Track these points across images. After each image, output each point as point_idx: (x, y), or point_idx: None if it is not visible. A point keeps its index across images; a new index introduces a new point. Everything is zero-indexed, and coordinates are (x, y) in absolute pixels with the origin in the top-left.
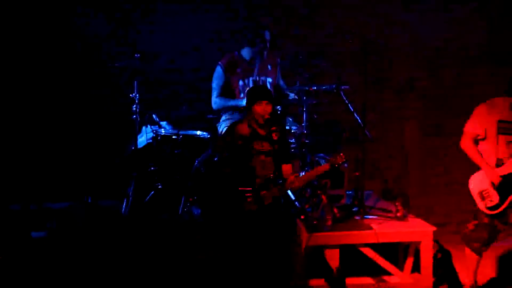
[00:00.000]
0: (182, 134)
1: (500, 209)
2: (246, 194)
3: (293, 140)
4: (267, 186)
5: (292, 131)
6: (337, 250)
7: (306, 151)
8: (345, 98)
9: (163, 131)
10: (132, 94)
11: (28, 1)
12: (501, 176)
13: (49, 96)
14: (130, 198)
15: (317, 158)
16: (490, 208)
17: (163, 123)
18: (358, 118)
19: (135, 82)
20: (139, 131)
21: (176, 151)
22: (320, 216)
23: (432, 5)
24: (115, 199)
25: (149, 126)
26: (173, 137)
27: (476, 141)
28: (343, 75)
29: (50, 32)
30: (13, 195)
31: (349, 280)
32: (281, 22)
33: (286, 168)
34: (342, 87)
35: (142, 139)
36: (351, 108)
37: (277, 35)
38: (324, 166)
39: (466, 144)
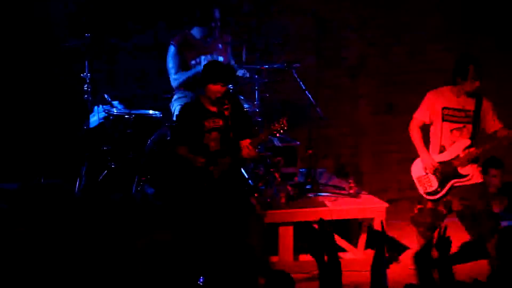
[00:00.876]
0: (135, 114)
1: (439, 195)
2: (197, 171)
3: None
4: (214, 161)
5: (245, 109)
6: (291, 228)
7: (258, 128)
8: (296, 76)
9: (115, 111)
10: (83, 74)
11: None
12: (440, 163)
13: (11, 77)
14: (83, 178)
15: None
16: (429, 194)
17: (115, 103)
18: (310, 96)
19: (86, 61)
20: (91, 111)
21: (128, 131)
22: (274, 194)
23: None
24: (67, 179)
25: (101, 106)
26: (126, 116)
27: (425, 127)
28: (295, 54)
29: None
30: None
31: (302, 257)
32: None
33: (244, 143)
34: (294, 65)
35: (94, 119)
36: (302, 86)
37: (227, 13)
38: (272, 129)
39: (412, 129)
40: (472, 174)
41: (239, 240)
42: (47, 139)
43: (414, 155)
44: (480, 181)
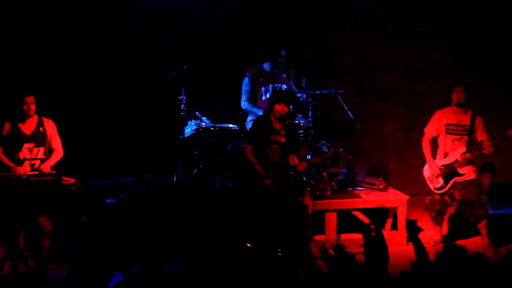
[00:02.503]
0: (218, 127)
1: (444, 190)
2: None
3: (301, 131)
4: (274, 169)
5: (301, 124)
6: (335, 213)
7: (311, 139)
8: (340, 100)
9: (204, 124)
10: (181, 97)
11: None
12: (445, 165)
13: (128, 99)
14: (180, 174)
15: (319, 144)
16: (437, 189)
17: (204, 118)
18: (351, 115)
19: (183, 88)
20: (186, 124)
21: (213, 139)
22: (322, 188)
23: (407, 29)
24: (168, 175)
25: (193, 121)
26: (211, 129)
27: (434, 139)
28: (340, 84)
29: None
30: (92, 172)
31: (344, 236)
32: (296, 42)
33: (294, 157)
34: (339, 92)
35: (188, 130)
36: (345, 107)
37: (291, 52)
38: (317, 159)
39: (424, 142)
40: (468, 173)
41: (291, 226)
42: (154, 145)
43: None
44: (474, 177)
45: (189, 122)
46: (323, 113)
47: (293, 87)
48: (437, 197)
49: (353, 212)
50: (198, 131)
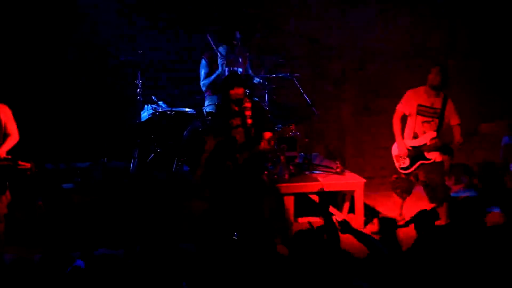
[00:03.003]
0: (175, 111)
1: (410, 170)
2: (226, 158)
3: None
4: (240, 150)
5: (264, 108)
6: (293, 197)
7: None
8: (297, 83)
9: (160, 109)
10: (136, 81)
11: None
12: (413, 147)
13: (84, 83)
14: (136, 159)
15: (276, 128)
16: (403, 169)
17: (160, 102)
18: (307, 98)
19: (139, 71)
20: (142, 108)
21: (170, 124)
22: (280, 172)
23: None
24: (124, 160)
25: (149, 105)
26: (168, 113)
27: (405, 117)
28: (295, 67)
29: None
30: (48, 157)
31: (301, 219)
32: (250, 25)
33: (266, 134)
34: (295, 75)
35: (145, 115)
36: (301, 90)
37: (246, 35)
38: (279, 132)
39: (394, 119)
40: (434, 157)
41: (256, 207)
42: (110, 130)
43: (384, 145)
44: (439, 160)
45: (146, 106)
46: (279, 97)
47: (249, 71)
48: (403, 175)
49: (311, 196)
50: (155, 115)
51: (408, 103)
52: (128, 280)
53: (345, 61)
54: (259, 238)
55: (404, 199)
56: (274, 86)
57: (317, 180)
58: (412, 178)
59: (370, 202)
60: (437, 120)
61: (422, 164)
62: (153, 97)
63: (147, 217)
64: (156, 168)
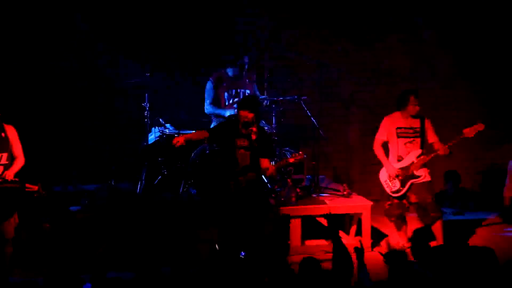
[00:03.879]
0: (182, 133)
1: (401, 193)
2: (229, 179)
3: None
4: (244, 173)
5: (269, 135)
6: (299, 220)
7: (276, 146)
8: (304, 106)
9: (167, 131)
10: (143, 103)
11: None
12: (400, 169)
13: (91, 106)
14: (143, 181)
15: (283, 151)
16: (394, 192)
17: (168, 125)
18: (314, 121)
19: (146, 94)
20: (150, 131)
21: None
22: (286, 194)
23: (372, 37)
24: (131, 182)
25: (156, 127)
26: (175, 135)
27: (385, 144)
28: (303, 90)
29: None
30: (56, 179)
31: (308, 242)
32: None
33: (263, 161)
34: (302, 98)
35: (152, 137)
36: (309, 113)
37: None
38: (290, 159)
39: (375, 147)
40: (424, 175)
41: (261, 229)
42: (117, 152)
43: None
44: (428, 179)
45: (153, 128)
46: (286, 120)
47: (257, 92)
48: (396, 201)
49: (318, 219)
50: (162, 138)
51: (386, 130)
52: None
53: (353, 83)
54: (264, 257)
55: (400, 227)
56: (281, 108)
57: (324, 203)
58: (405, 201)
59: (377, 225)
60: (418, 139)
61: (412, 184)
62: (160, 120)
63: (155, 239)
64: (163, 190)
